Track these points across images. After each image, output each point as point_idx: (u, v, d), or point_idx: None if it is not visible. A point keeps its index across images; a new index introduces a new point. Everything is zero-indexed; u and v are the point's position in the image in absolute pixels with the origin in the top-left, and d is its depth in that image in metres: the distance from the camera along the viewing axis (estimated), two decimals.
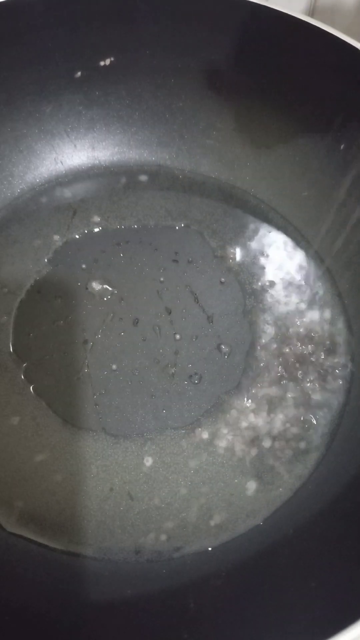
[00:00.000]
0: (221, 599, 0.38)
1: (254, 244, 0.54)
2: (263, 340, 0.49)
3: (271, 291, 0.51)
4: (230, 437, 0.45)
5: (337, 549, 0.38)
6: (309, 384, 0.47)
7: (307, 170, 0.54)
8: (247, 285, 0.52)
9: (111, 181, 0.58)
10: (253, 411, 0.46)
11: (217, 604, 0.38)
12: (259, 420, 0.46)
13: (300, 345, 0.49)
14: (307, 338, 0.49)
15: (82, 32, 0.51)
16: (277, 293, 0.51)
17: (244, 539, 0.42)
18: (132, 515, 0.42)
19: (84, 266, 0.52)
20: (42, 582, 0.39)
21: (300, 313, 0.50)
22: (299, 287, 0.52)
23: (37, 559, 0.41)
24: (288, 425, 0.46)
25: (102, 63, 0.54)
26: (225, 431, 0.45)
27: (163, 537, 0.42)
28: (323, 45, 0.48)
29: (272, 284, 0.52)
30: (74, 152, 0.58)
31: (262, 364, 0.48)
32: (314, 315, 0.50)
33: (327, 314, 0.50)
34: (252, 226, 0.55)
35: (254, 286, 0.52)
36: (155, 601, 0.39)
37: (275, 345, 0.49)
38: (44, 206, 0.56)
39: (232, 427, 0.45)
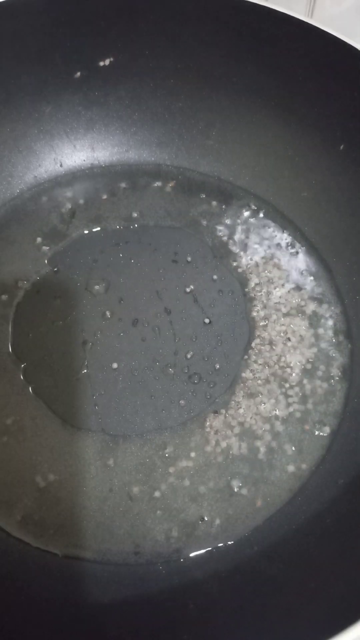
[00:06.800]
0: (221, 600, 0.38)
1: (253, 244, 0.54)
2: (262, 341, 0.49)
3: (271, 291, 0.51)
4: (229, 438, 0.45)
5: (337, 549, 0.38)
6: (308, 384, 0.47)
7: (307, 170, 0.54)
8: (246, 285, 0.52)
9: (110, 181, 0.58)
10: (253, 412, 0.46)
11: (217, 604, 0.37)
12: (258, 421, 0.46)
13: (300, 346, 0.49)
14: (307, 338, 0.49)
15: (82, 32, 0.51)
16: (277, 293, 0.51)
17: (243, 540, 0.42)
18: (132, 516, 0.42)
19: (83, 266, 0.52)
20: (41, 583, 0.39)
21: (300, 313, 0.50)
22: (299, 286, 0.52)
23: (37, 560, 0.40)
24: (288, 425, 0.46)
25: (101, 63, 0.54)
26: (224, 432, 0.45)
27: (163, 538, 0.42)
28: (322, 46, 0.48)
29: (272, 284, 0.52)
30: (74, 153, 0.58)
31: (261, 365, 0.48)
32: (313, 315, 0.50)
33: (327, 314, 0.50)
34: (251, 226, 0.55)
35: (254, 286, 0.52)
36: (155, 602, 0.38)
37: (274, 346, 0.49)
38: (43, 206, 0.56)
39: (232, 428, 0.45)
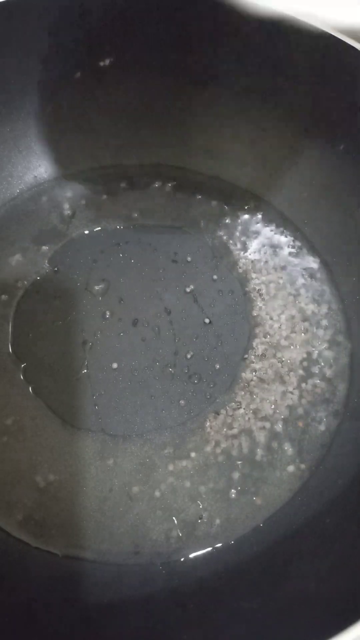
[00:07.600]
0: (220, 600, 0.38)
1: (253, 244, 0.54)
2: (262, 341, 0.49)
3: (271, 291, 0.51)
4: (229, 438, 0.45)
5: (337, 549, 0.38)
6: (308, 384, 0.47)
7: (307, 171, 0.54)
8: (246, 285, 0.52)
9: (111, 181, 0.58)
10: (253, 412, 0.46)
11: (217, 604, 0.37)
12: (258, 421, 0.46)
13: (300, 346, 0.49)
14: (307, 338, 0.49)
15: (82, 32, 0.51)
16: (277, 293, 0.51)
17: (243, 540, 0.42)
18: (132, 516, 0.42)
19: (83, 266, 0.52)
20: (41, 583, 0.39)
21: (300, 313, 0.50)
22: (299, 287, 0.52)
23: (37, 560, 0.41)
24: (288, 425, 0.46)
25: (102, 63, 0.54)
26: (224, 432, 0.45)
27: (162, 538, 0.42)
28: (323, 46, 0.48)
29: (271, 283, 0.52)
30: (74, 153, 0.58)
31: (261, 365, 0.48)
32: (313, 315, 0.50)
33: (327, 314, 0.50)
34: (251, 226, 0.55)
35: (254, 286, 0.52)
36: (155, 602, 0.38)
37: (274, 346, 0.49)
38: (43, 206, 0.56)
39: (232, 428, 0.45)
